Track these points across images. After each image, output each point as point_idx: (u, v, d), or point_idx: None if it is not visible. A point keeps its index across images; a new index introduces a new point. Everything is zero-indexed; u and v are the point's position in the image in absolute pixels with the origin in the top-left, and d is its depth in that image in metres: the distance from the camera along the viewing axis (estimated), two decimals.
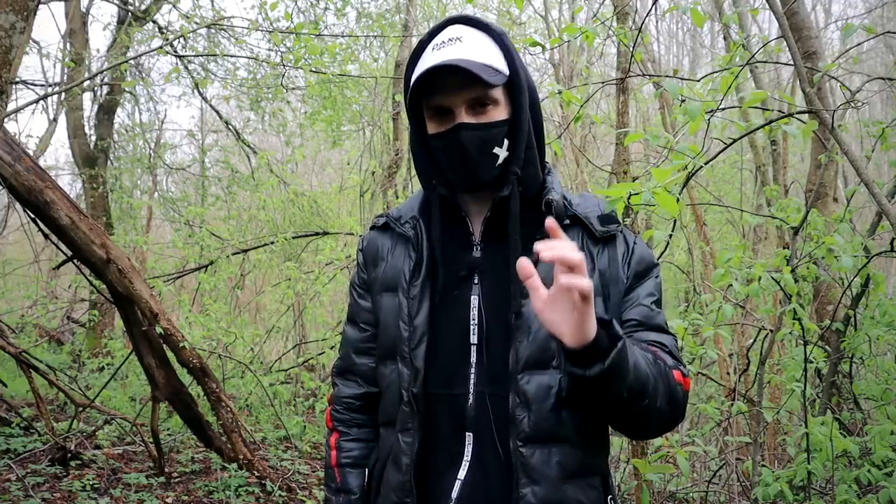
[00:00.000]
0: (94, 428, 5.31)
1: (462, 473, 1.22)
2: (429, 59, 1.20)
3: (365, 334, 1.38)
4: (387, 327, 1.29)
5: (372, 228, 1.42)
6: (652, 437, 1.39)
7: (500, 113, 1.22)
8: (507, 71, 1.22)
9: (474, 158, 1.21)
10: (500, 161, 1.23)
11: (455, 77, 1.17)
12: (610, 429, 1.32)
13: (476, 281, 1.27)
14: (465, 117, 1.20)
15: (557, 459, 1.18)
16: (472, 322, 1.25)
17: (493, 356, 1.23)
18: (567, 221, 1.27)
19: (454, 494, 1.21)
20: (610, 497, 1.27)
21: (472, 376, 1.23)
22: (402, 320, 1.26)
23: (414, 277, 1.27)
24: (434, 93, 1.21)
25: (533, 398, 1.18)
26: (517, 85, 1.23)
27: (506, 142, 1.23)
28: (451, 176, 1.26)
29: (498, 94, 1.22)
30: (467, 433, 1.23)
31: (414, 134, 1.30)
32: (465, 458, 1.23)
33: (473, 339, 1.24)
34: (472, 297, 1.26)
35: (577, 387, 1.06)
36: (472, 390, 1.23)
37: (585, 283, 0.93)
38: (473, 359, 1.24)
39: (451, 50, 1.19)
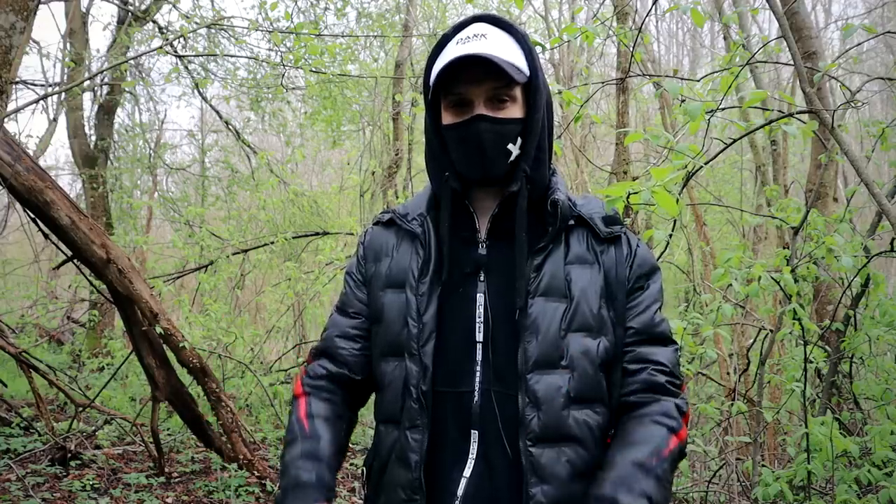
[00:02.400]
0: (94, 428, 5.30)
1: (468, 471, 1.22)
2: (453, 52, 1.22)
3: (355, 321, 1.37)
4: (391, 323, 1.29)
5: (376, 224, 1.42)
6: None
7: (516, 111, 1.24)
8: (528, 72, 1.24)
9: (488, 151, 1.23)
10: (512, 157, 1.25)
11: (478, 69, 1.19)
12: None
13: (482, 278, 1.27)
14: (483, 109, 1.22)
15: (566, 459, 1.19)
16: (477, 320, 1.25)
17: (498, 354, 1.24)
18: (572, 222, 1.29)
19: (459, 492, 1.21)
20: None
21: (478, 374, 1.24)
22: (410, 317, 1.26)
23: (422, 275, 1.28)
24: (455, 83, 1.22)
25: (543, 398, 1.19)
26: (535, 86, 1.25)
27: (519, 140, 1.25)
28: (462, 168, 1.27)
29: (516, 92, 1.23)
30: (472, 431, 1.23)
31: (430, 126, 1.31)
32: (470, 455, 1.23)
33: (479, 336, 1.25)
34: (478, 295, 1.26)
35: None
36: (477, 388, 1.23)
37: None
38: (479, 357, 1.24)
39: (475, 45, 1.21)
